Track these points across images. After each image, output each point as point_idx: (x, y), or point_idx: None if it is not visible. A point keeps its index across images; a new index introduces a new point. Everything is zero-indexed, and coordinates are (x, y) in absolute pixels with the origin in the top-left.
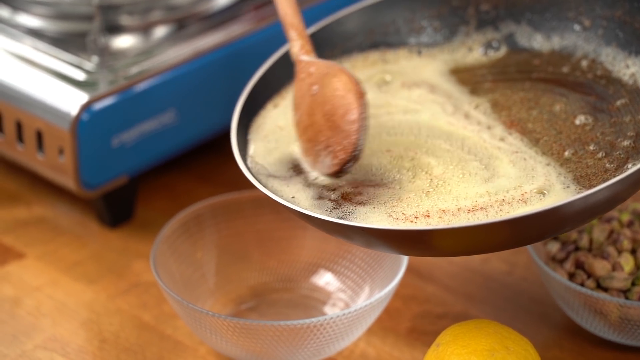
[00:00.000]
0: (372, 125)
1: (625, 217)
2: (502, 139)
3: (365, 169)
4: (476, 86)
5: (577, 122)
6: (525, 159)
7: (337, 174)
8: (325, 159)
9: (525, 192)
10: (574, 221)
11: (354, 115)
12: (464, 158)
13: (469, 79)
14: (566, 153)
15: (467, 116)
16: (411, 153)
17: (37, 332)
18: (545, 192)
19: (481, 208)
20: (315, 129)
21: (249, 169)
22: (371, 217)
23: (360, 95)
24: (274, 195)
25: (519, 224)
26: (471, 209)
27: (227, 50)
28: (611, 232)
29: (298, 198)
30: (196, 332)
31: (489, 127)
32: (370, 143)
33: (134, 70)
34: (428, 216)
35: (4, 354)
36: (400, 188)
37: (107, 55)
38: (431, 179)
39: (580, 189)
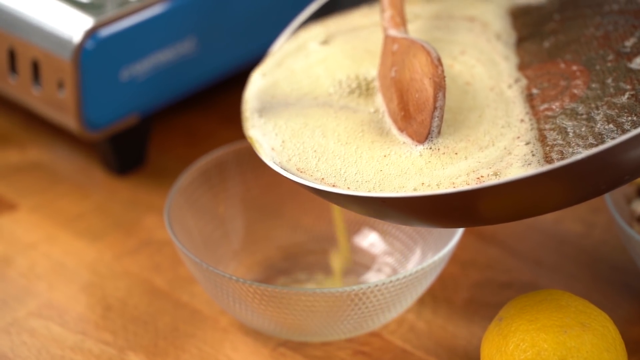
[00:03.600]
0: None
1: None
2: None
3: None
4: (537, 28)
5: None
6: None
7: None
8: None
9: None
10: (633, 167)
11: (427, 106)
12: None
13: (528, 21)
14: (628, 94)
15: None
16: None
17: (30, 297)
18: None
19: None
20: (392, 116)
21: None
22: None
23: (438, 81)
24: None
25: (571, 171)
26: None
27: None
28: None
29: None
30: (216, 299)
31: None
32: None
33: None
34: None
35: None
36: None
37: None
38: None
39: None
